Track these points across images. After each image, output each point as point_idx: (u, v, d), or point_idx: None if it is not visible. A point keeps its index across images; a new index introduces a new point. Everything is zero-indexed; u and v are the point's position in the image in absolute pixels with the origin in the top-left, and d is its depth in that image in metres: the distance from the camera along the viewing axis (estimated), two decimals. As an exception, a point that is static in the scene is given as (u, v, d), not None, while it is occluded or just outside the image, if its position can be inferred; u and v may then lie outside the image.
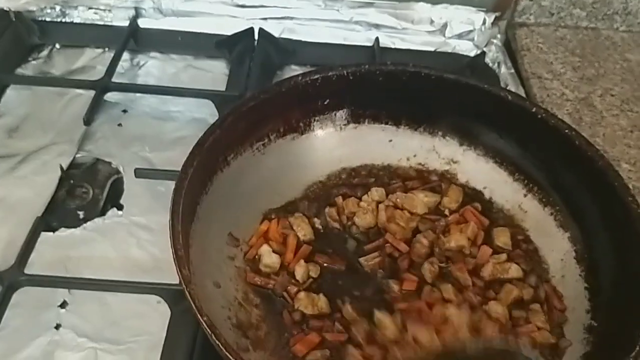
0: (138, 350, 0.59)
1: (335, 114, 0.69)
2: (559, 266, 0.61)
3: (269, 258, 0.60)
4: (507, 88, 0.88)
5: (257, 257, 0.61)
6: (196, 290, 0.47)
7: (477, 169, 0.68)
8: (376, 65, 0.67)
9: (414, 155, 0.70)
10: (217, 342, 0.45)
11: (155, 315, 0.61)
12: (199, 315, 0.46)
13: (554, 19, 0.98)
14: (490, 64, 0.94)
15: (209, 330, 0.45)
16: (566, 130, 0.61)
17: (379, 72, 0.66)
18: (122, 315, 0.62)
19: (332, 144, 0.69)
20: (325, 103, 0.67)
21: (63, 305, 0.62)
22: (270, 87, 0.67)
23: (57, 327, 0.61)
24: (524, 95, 0.86)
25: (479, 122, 0.67)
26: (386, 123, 0.70)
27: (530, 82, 0.89)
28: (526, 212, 0.65)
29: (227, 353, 0.44)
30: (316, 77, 0.65)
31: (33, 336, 0.60)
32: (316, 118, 0.68)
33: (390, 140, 0.70)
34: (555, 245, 0.62)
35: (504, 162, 0.67)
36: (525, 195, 0.66)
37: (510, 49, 0.96)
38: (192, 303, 0.46)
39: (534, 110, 0.63)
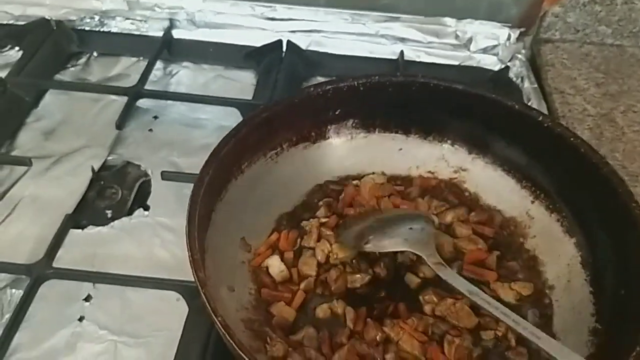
0: (156, 345, 0.62)
1: (346, 124, 0.71)
2: (565, 271, 0.61)
3: (276, 268, 0.62)
4: (530, 103, 0.89)
5: (264, 266, 0.62)
6: (211, 293, 0.49)
7: (485, 177, 0.70)
8: (386, 76, 0.68)
9: (423, 164, 0.72)
10: (230, 341, 0.46)
11: (173, 312, 0.63)
12: (213, 316, 0.47)
13: (579, 36, 0.99)
14: (514, 79, 0.95)
15: (222, 330, 0.47)
16: (572, 139, 0.62)
17: (388, 83, 0.68)
18: (142, 311, 0.64)
19: (343, 153, 0.71)
20: (337, 113, 0.69)
21: (87, 299, 0.65)
22: (284, 99, 0.69)
23: (81, 319, 0.64)
24: (546, 110, 0.87)
25: (488, 131, 0.68)
26: (396, 132, 0.72)
27: (553, 97, 0.89)
28: (533, 218, 0.66)
29: (240, 352, 0.46)
30: (328, 88, 0.67)
31: (57, 327, 0.63)
32: (328, 127, 0.70)
33: (400, 149, 0.72)
34: (562, 251, 0.63)
35: (511, 170, 0.68)
36: (532, 202, 0.67)
37: (535, 65, 0.97)
38: (207, 304, 0.48)
39: (540, 119, 0.64)
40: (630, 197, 0.57)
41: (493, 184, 0.69)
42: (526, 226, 0.67)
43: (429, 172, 0.72)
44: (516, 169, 0.68)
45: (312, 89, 0.66)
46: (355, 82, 0.67)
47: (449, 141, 0.71)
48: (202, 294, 0.47)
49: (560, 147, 0.63)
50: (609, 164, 0.60)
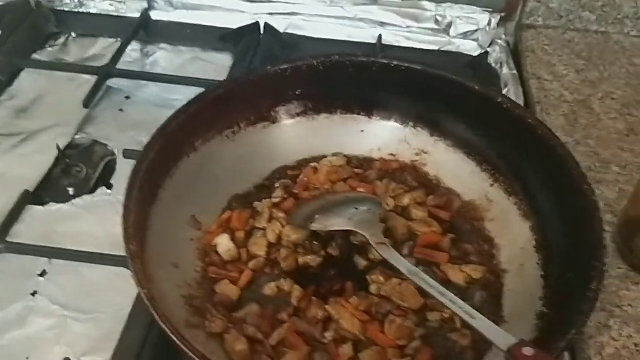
0: (105, 321, 0.62)
1: (307, 104, 0.70)
2: (519, 255, 0.60)
3: (224, 247, 0.61)
4: (507, 88, 0.88)
5: (213, 244, 0.62)
6: (141, 266, 0.49)
7: (446, 160, 0.69)
8: (346, 56, 0.67)
9: (385, 146, 0.71)
10: (154, 312, 0.46)
11: (127, 290, 0.62)
12: (140, 288, 0.47)
13: (562, 22, 0.97)
14: (493, 65, 0.93)
15: (147, 301, 0.47)
16: (530, 120, 0.61)
17: (349, 62, 0.67)
18: (96, 288, 0.64)
19: (304, 133, 0.70)
20: (297, 93, 0.69)
21: (42, 274, 0.66)
22: (240, 76, 0.69)
23: (34, 294, 0.64)
24: (522, 96, 0.86)
25: (449, 113, 0.68)
26: (358, 113, 0.71)
27: (530, 83, 0.88)
28: (492, 202, 0.65)
29: (161, 322, 0.46)
30: (286, 67, 0.66)
31: (10, 302, 0.63)
32: (288, 107, 0.69)
33: (362, 131, 0.71)
34: (518, 235, 0.62)
35: (472, 152, 0.68)
36: (491, 185, 0.66)
37: (517, 51, 0.95)
38: (135, 276, 0.48)
39: (499, 100, 0.63)
40: (583, 179, 0.56)
41: (454, 167, 0.68)
42: (485, 209, 0.66)
43: (391, 154, 0.71)
44: (477, 152, 0.67)
45: (269, 67, 0.66)
46: (315, 62, 0.66)
47: (411, 123, 0.70)
48: (131, 266, 0.47)
49: (519, 129, 0.62)
50: (564, 146, 0.59)
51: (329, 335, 0.54)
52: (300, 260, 0.61)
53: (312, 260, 0.61)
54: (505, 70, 0.91)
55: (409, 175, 0.69)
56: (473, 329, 0.49)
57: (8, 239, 0.65)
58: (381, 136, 0.71)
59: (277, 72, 0.66)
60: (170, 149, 0.60)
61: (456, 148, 0.69)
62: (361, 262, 0.61)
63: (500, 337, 0.47)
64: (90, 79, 0.88)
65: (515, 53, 0.95)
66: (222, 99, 0.64)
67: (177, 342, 0.43)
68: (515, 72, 0.90)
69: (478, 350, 0.54)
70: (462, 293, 0.58)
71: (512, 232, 0.63)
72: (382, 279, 0.58)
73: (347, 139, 0.71)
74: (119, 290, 0.64)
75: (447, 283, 0.58)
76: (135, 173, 0.54)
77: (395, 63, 0.67)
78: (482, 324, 0.48)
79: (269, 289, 0.58)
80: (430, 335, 0.55)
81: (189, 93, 0.84)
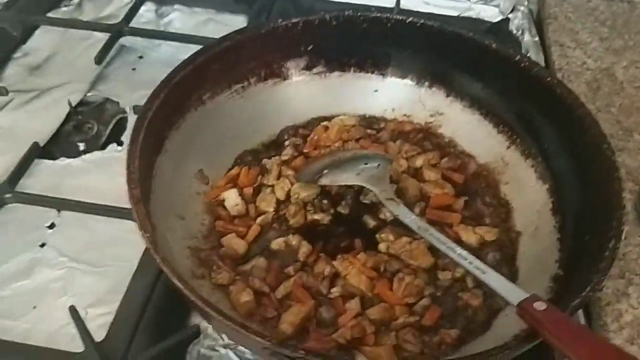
0: (112, 273, 0.61)
1: (319, 60, 0.68)
2: (534, 217, 0.59)
3: (232, 202, 0.60)
4: (528, 55, 0.85)
5: (220, 199, 0.61)
6: (144, 211, 0.48)
7: (462, 121, 0.67)
8: (360, 11, 0.66)
9: (399, 106, 0.69)
10: (155, 256, 0.46)
11: (134, 244, 0.61)
12: (142, 232, 0.47)
13: (587, -10, 0.94)
14: (514, 31, 0.91)
15: (149, 245, 0.46)
16: (548, 79, 0.59)
17: (362, 18, 0.65)
18: (104, 241, 0.64)
19: (316, 91, 0.69)
20: (309, 49, 0.67)
21: (51, 226, 0.65)
22: (249, 28, 0.67)
23: (42, 245, 0.64)
24: (543, 62, 0.83)
25: (465, 72, 0.66)
26: (372, 72, 0.69)
27: (551, 50, 0.85)
28: (508, 164, 0.64)
29: (164, 267, 0.45)
30: (297, 20, 0.65)
31: (18, 252, 0.63)
32: (299, 64, 0.68)
33: (376, 90, 0.69)
34: (534, 197, 0.60)
35: (489, 113, 0.66)
36: (508, 147, 0.64)
37: (539, 18, 0.93)
38: (137, 220, 0.47)
39: (517, 58, 0.61)
40: (602, 139, 0.54)
41: (469, 129, 0.67)
42: (500, 172, 0.64)
43: (405, 115, 0.69)
44: (493, 113, 0.66)
45: (280, 20, 0.64)
46: (327, 16, 0.65)
47: (426, 83, 0.69)
48: (134, 211, 0.47)
49: (537, 89, 0.60)
50: (584, 105, 0.57)
51: (335, 290, 0.54)
52: (309, 217, 0.60)
53: (321, 217, 0.60)
54: (526, 37, 0.89)
55: (423, 136, 0.68)
56: (483, 284, 0.48)
57: (17, 189, 0.64)
58: (395, 96, 0.69)
59: (287, 26, 0.65)
60: (176, 100, 0.59)
61: (472, 109, 0.67)
62: (370, 222, 0.60)
63: (511, 291, 0.46)
64: (103, 38, 0.87)
65: (538, 20, 0.93)
66: (231, 51, 0.63)
67: (179, 286, 0.43)
68: (537, 39, 0.88)
69: (489, 310, 0.53)
70: (475, 254, 0.56)
71: (527, 195, 0.61)
72: (391, 237, 0.57)
73: (360, 98, 0.70)
74: (126, 243, 0.63)
75: (459, 244, 0.56)
76: (140, 120, 0.53)
77: (410, 19, 0.65)
78: (492, 278, 0.47)
79: (277, 244, 0.58)
80: (439, 295, 0.54)
81: (203, 54, 0.85)
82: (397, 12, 0.90)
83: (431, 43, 0.66)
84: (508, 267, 0.57)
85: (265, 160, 0.64)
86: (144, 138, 0.52)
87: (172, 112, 0.58)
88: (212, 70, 0.62)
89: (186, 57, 0.83)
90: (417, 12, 0.93)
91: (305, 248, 0.57)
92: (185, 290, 0.42)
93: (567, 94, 0.58)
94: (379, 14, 0.66)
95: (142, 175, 0.50)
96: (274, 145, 0.67)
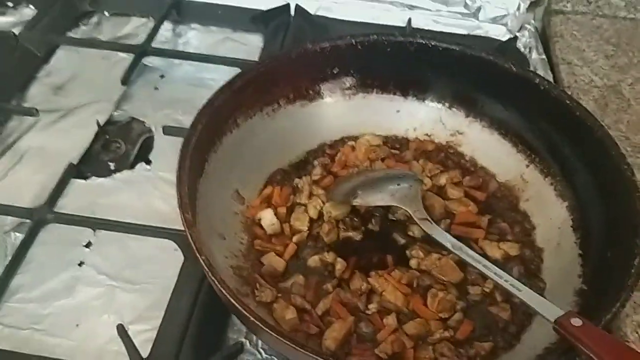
0: (151, 291, 0.63)
1: (344, 83, 0.71)
2: (556, 234, 0.62)
3: (268, 221, 0.63)
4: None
5: (256, 218, 0.64)
6: (198, 235, 0.50)
7: (481, 140, 0.70)
8: (384, 35, 0.69)
9: (421, 126, 0.72)
10: (212, 278, 0.48)
11: (170, 261, 0.65)
12: (198, 255, 0.49)
13: (591, 8, 0.97)
14: (522, 49, 0.94)
15: (206, 268, 0.48)
16: (567, 101, 0.62)
17: (387, 42, 0.68)
18: (140, 259, 0.66)
19: (341, 112, 0.72)
20: (335, 71, 0.70)
21: (88, 245, 0.67)
22: (281, 54, 0.70)
23: (81, 264, 0.66)
24: (551, 80, 0.87)
25: (485, 93, 0.69)
26: (394, 93, 0.72)
27: (560, 68, 0.89)
28: (527, 182, 0.67)
29: (221, 288, 0.47)
30: (325, 45, 0.67)
31: (58, 270, 0.65)
32: (325, 86, 0.71)
33: (398, 111, 0.72)
34: (554, 214, 0.63)
35: (508, 133, 0.69)
36: (527, 166, 0.67)
37: (544, 36, 0.96)
38: (192, 244, 0.49)
39: (537, 81, 0.64)
40: (622, 159, 0.57)
41: (489, 148, 0.70)
42: (520, 190, 0.67)
43: (426, 134, 0.72)
44: (512, 133, 0.69)
45: (309, 45, 0.67)
46: (354, 40, 0.67)
47: (446, 104, 0.72)
48: (189, 235, 0.49)
49: (556, 111, 0.63)
50: (603, 127, 0.60)
51: (372, 306, 0.56)
52: (342, 234, 0.62)
53: (353, 235, 0.63)
54: (534, 55, 0.92)
55: (444, 155, 0.71)
56: (520, 300, 0.50)
57: (55, 209, 0.66)
58: (417, 116, 0.72)
59: (316, 51, 0.68)
60: (216, 124, 0.61)
61: (492, 129, 0.70)
62: (400, 239, 0.63)
63: (547, 308, 0.49)
64: (123, 57, 0.89)
65: (543, 38, 0.96)
66: (265, 75, 0.65)
67: (238, 307, 0.45)
68: (544, 56, 0.91)
69: (518, 323, 0.56)
70: (500, 268, 0.59)
71: (548, 212, 0.64)
72: (421, 254, 0.60)
73: (383, 118, 0.72)
74: (162, 262, 0.66)
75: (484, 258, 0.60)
76: (186, 145, 0.55)
77: (433, 43, 0.68)
78: (528, 295, 0.50)
79: (313, 261, 0.60)
80: (471, 309, 0.57)
81: (222, 72, 0.87)
82: (409, 31, 0.94)
83: (452, 66, 0.68)
84: (532, 281, 0.60)
85: (296, 180, 0.67)
86: (190, 164, 0.54)
87: (212, 135, 0.61)
88: (247, 94, 0.64)
89: (207, 76, 0.89)
90: (428, 30, 0.96)
91: (340, 265, 0.59)
92: (247, 314, 0.45)
93: (586, 116, 0.61)
94: (402, 39, 0.69)
95: (189, 199, 0.53)
96: (302, 165, 0.69)
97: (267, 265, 0.59)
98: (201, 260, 0.47)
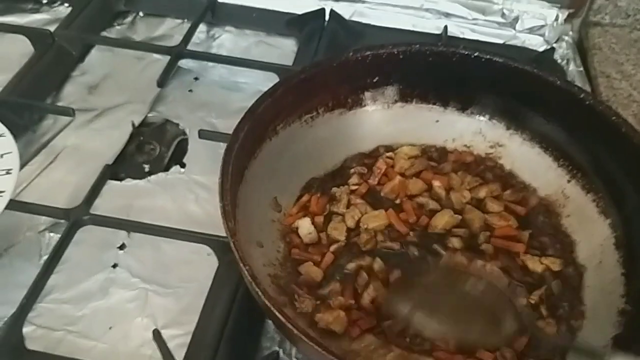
0: (185, 295, 0.63)
1: (383, 92, 0.70)
2: (597, 251, 0.61)
3: (305, 230, 0.62)
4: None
5: (293, 226, 0.63)
6: (240, 243, 0.50)
7: (522, 154, 0.69)
8: (426, 45, 0.67)
9: (460, 137, 0.71)
10: (256, 289, 0.47)
11: (204, 265, 0.64)
12: (241, 264, 0.48)
13: (629, 21, 0.96)
14: (559, 61, 0.93)
15: (249, 278, 0.47)
16: (613, 117, 0.61)
17: (429, 52, 0.67)
18: (174, 262, 0.66)
19: (379, 121, 0.71)
20: (375, 80, 0.69)
21: (122, 247, 0.67)
22: (322, 61, 0.69)
23: (114, 266, 0.66)
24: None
25: (527, 106, 0.67)
26: (434, 103, 0.71)
27: (598, 81, 0.87)
28: (568, 197, 0.65)
29: (265, 300, 0.47)
30: (367, 54, 0.66)
31: (92, 272, 0.65)
32: (365, 95, 0.70)
33: (437, 121, 0.71)
34: (596, 231, 0.62)
35: (549, 147, 0.68)
36: (568, 181, 0.66)
37: (581, 48, 0.95)
38: (236, 253, 0.49)
39: (582, 96, 0.63)
40: (669, 179, 0.56)
41: (529, 162, 0.68)
42: (561, 205, 0.66)
43: (465, 146, 0.71)
44: (554, 147, 0.67)
45: (351, 53, 0.66)
46: (395, 50, 0.67)
47: (487, 115, 0.70)
48: (232, 243, 0.48)
49: (601, 126, 0.62)
50: (650, 145, 0.59)
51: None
52: (380, 245, 0.62)
53: (392, 245, 0.62)
54: (571, 67, 0.91)
55: (484, 167, 0.70)
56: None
57: (91, 211, 0.66)
58: (456, 127, 0.71)
59: (357, 59, 0.67)
60: (257, 131, 0.61)
61: (532, 142, 0.69)
62: (440, 250, 0.62)
63: None
64: (158, 59, 0.89)
65: (580, 50, 0.95)
66: (306, 83, 0.64)
67: (282, 319, 0.44)
68: (581, 69, 0.90)
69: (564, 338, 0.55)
70: (540, 283, 0.59)
71: (590, 229, 0.63)
72: (465, 261, 0.59)
73: (422, 128, 0.71)
74: (196, 266, 0.65)
75: (525, 272, 0.60)
76: (229, 152, 0.55)
77: (475, 54, 0.67)
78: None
79: (351, 267, 0.60)
80: (519, 319, 0.56)
81: (255, 76, 0.87)
82: (445, 39, 0.93)
83: (494, 77, 0.67)
84: (573, 299, 0.59)
85: (334, 189, 0.66)
86: (232, 171, 0.54)
87: (253, 142, 0.60)
88: (288, 101, 0.64)
89: (241, 79, 0.89)
90: (464, 39, 0.96)
91: (378, 265, 0.59)
92: (291, 326, 0.44)
93: (632, 133, 0.60)
94: (444, 49, 0.68)
95: (232, 206, 0.52)
96: (339, 174, 0.68)
97: (304, 274, 0.59)
98: (244, 271, 0.47)
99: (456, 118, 0.71)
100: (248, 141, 0.59)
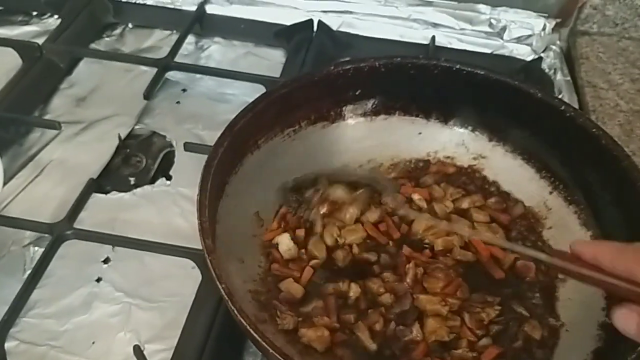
0: (168, 309, 0.63)
1: (366, 105, 0.70)
2: None
3: (285, 246, 0.62)
4: (561, 95, 0.87)
5: (274, 242, 0.63)
6: (217, 261, 0.50)
7: (504, 165, 0.69)
8: (408, 58, 0.68)
9: (443, 149, 0.71)
10: (232, 308, 0.47)
11: (188, 279, 0.65)
12: (218, 282, 0.48)
13: (617, 30, 0.96)
14: (547, 70, 0.93)
15: (226, 297, 0.48)
16: (593, 130, 0.61)
17: (410, 65, 0.67)
18: (158, 276, 0.66)
19: (362, 134, 0.71)
20: (357, 93, 0.69)
21: (106, 261, 0.67)
22: (303, 75, 0.70)
23: (98, 280, 0.66)
24: (577, 103, 0.85)
25: (509, 118, 0.68)
26: (416, 116, 0.71)
27: (585, 91, 0.87)
28: (550, 209, 0.66)
29: (241, 319, 0.47)
30: (348, 67, 0.66)
31: (76, 286, 0.65)
32: (347, 108, 0.70)
33: (420, 133, 0.71)
34: None
35: (531, 159, 0.68)
36: (550, 193, 0.66)
37: (569, 57, 0.95)
38: (212, 271, 0.49)
39: (562, 108, 0.63)
40: (649, 191, 0.56)
41: (512, 173, 0.69)
42: (543, 217, 0.66)
43: (448, 157, 0.71)
44: (536, 159, 0.68)
45: (332, 67, 0.66)
46: (377, 63, 0.67)
47: (469, 127, 0.71)
48: (208, 261, 0.48)
49: (582, 138, 0.62)
50: (629, 157, 0.59)
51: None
52: (358, 257, 0.63)
53: (368, 257, 0.63)
54: (559, 76, 0.91)
55: (466, 179, 0.70)
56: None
57: (75, 225, 0.66)
58: (439, 139, 0.71)
59: (339, 73, 0.67)
60: (237, 146, 0.61)
61: (515, 154, 0.69)
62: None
63: None
64: (146, 70, 0.89)
65: (569, 59, 0.95)
66: (286, 97, 0.64)
67: (257, 338, 0.44)
68: (569, 78, 0.90)
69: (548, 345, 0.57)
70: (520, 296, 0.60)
71: (571, 240, 0.62)
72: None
73: (405, 141, 0.72)
74: (179, 280, 0.66)
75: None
76: (207, 169, 0.55)
77: (457, 67, 0.67)
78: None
79: (329, 289, 0.60)
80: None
81: (244, 88, 0.87)
82: (432, 49, 0.93)
83: (476, 89, 0.67)
84: (553, 312, 0.59)
85: (306, 213, 0.65)
86: (211, 187, 0.54)
87: (233, 157, 0.60)
88: (269, 115, 0.64)
89: (229, 91, 0.89)
90: (452, 49, 0.96)
91: (353, 291, 0.59)
92: (263, 342, 0.44)
93: (612, 145, 0.60)
94: (426, 61, 0.68)
95: (210, 223, 0.52)
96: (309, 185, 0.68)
97: (285, 292, 0.59)
98: (221, 289, 0.47)
99: (439, 130, 0.71)
100: (228, 156, 0.59)
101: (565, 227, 0.64)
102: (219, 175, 0.57)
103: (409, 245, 0.63)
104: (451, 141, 0.71)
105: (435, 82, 0.68)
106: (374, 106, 0.71)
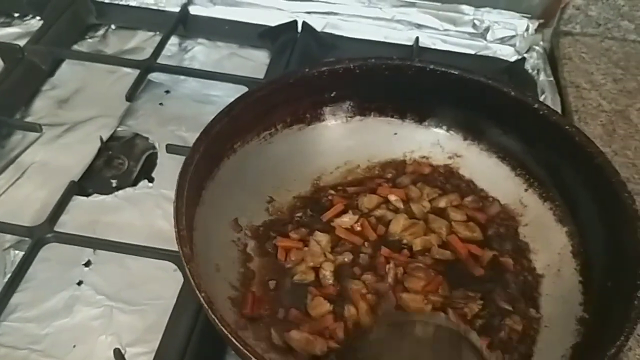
0: (150, 312, 0.63)
1: (341, 106, 0.70)
2: (556, 260, 0.61)
3: None
4: (544, 96, 0.88)
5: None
6: (196, 268, 0.49)
7: (480, 164, 0.69)
8: (382, 59, 0.67)
9: (419, 149, 0.72)
10: (213, 316, 0.46)
11: (170, 282, 0.64)
12: (197, 291, 0.48)
13: (600, 30, 0.97)
14: (530, 71, 0.94)
15: (206, 305, 0.47)
16: (567, 127, 0.61)
17: (385, 66, 0.67)
18: (139, 279, 0.66)
19: (338, 135, 0.71)
20: (332, 95, 0.69)
21: (87, 264, 0.67)
22: (279, 78, 0.69)
23: (80, 283, 0.65)
24: (559, 103, 0.86)
25: (483, 117, 0.68)
26: (392, 116, 0.71)
27: (567, 91, 0.88)
28: (526, 206, 0.66)
29: (221, 327, 0.46)
30: (323, 69, 0.66)
31: (57, 290, 0.64)
32: (323, 110, 0.70)
33: (395, 134, 0.71)
34: (553, 240, 0.62)
35: (506, 157, 0.68)
36: (526, 190, 0.66)
37: (552, 57, 0.96)
38: (191, 280, 0.48)
39: (536, 106, 0.63)
40: (623, 188, 0.56)
41: (487, 171, 0.69)
42: (519, 214, 0.66)
43: (424, 157, 0.72)
44: (511, 156, 0.68)
45: (307, 69, 0.66)
46: (352, 65, 0.66)
47: (444, 127, 0.71)
48: (187, 270, 0.48)
49: (556, 136, 0.62)
50: (603, 154, 0.59)
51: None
52: (337, 262, 0.62)
53: (345, 256, 0.63)
54: (542, 77, 0.91)
55: (443, 178, 0.70)
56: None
57: (56, 228, 0.66)
58: (414, 139, 0.72)
59: (314, 75, 0.66)
60: (213, 151, 0.60)
61: (490, 152, 0.69)
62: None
63: None
64: (129, 72, 0.89)
65: (551, 60, 0.95)
66: (262, 100, 0.64)
67: (239, 346, 0.44)
68: (552, 79, 0.90)
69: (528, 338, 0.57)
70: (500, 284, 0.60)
71: (547, 237, 0.63)
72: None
73: (381, 141, 0.72)
74: (161, 283, 0.65)
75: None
76: (183, 174, 0.54)
77: (431, 67, 0.67)
78: None
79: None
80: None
81: (228, 89, 0.87)
82: (416, 50, 0.93)
83: (450, 89, 0.67)
84: (532, 307, 0.60)
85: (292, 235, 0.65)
86: (188, 193, 0.53)
87: (210, 163, 0.60)
88: (245, 119, 0.63)
89: (212, 92, 0.88)
90: (435, 50, 0.96)
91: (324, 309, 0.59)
92: (245, 350, 0.44)
93: (586, 142, 0.60)
94: (400, 62, 0.68)
95: (188, 230, 0.52)
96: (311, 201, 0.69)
97: None
98: (201, 298, 0.46)
99: (414, 130, 0.72)
100: (204, 162, 0.58)
101: (541, 223, 0.65)
102: (195, 182, 0.56)
103: (386, 246, 0.63)
104: (427, 141, 0.71)
105: (410, 82, 0.68)
106: (349, 108, 0.71)
